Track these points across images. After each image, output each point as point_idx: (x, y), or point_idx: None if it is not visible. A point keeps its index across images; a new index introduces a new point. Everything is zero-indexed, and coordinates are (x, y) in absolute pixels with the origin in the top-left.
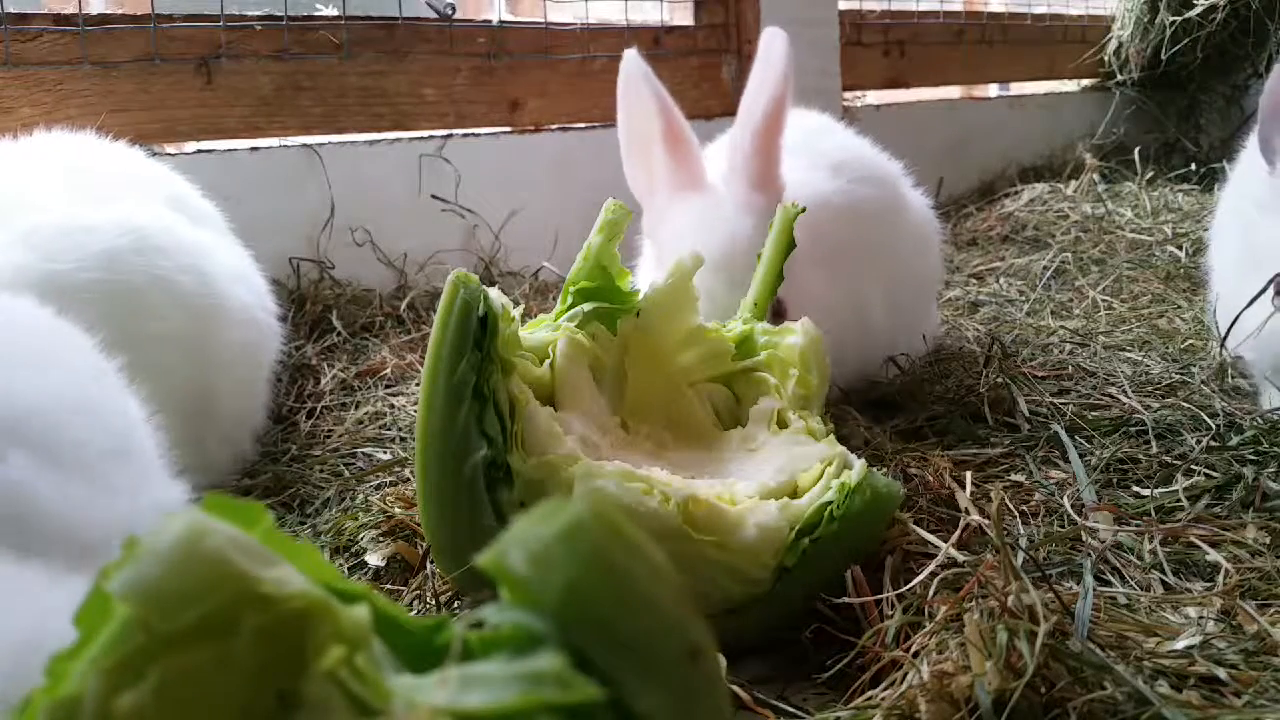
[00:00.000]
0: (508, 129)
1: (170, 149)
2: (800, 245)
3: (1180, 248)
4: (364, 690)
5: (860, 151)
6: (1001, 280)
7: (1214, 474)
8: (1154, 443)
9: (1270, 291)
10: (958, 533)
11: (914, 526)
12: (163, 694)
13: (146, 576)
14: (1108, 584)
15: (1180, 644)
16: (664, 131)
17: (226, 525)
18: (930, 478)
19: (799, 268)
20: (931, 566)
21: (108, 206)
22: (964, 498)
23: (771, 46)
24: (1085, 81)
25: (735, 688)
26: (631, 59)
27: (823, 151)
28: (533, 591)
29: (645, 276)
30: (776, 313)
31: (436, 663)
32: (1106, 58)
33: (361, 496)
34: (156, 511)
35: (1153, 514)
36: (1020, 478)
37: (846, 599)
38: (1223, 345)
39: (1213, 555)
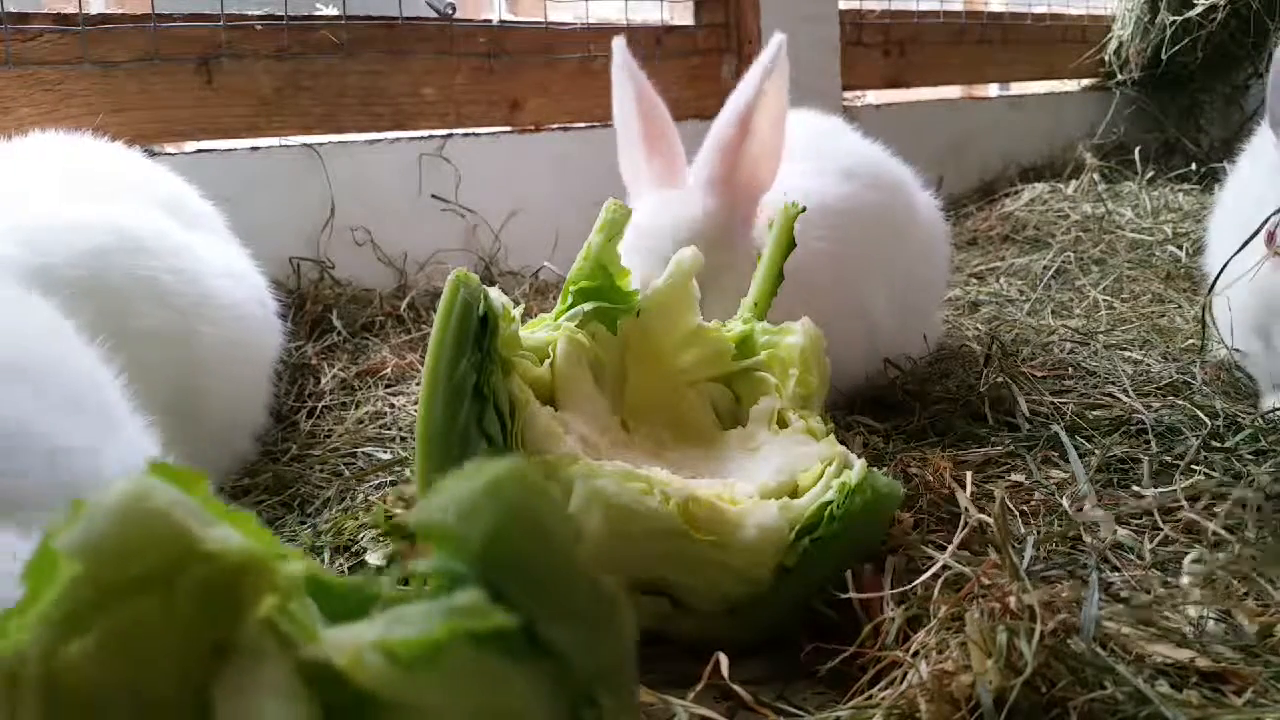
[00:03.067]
0: (508, 129)
1: (170, 149)
2: (805, 251)
3: (1180, 247)
4: (295, 630)
5: (871, 155)
6: (1002, 280)
7: (1214, 474)
8: (1154, 443)
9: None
10: (959, 534)
11: (912, 534)
12: (105, 645)
13: (93, 533)
14: (1108, 584)
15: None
16: (643, 126)
17: (170, 487)
18: (930, 478)
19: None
20: (935, 568)
21: (100, 205)
22: (964, 498)
23: (766, 52)
24: (1085, 81)
25: (735, 687)
26: (618, 49)
27: (832, 155)
28: (458, 540)
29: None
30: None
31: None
32: (1106, 58)
33: (362, 496)
34: (122, 466)
35: (1153, 514)
36: (1020, 477)
37: (848, 596)
38: (1210, 291)
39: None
